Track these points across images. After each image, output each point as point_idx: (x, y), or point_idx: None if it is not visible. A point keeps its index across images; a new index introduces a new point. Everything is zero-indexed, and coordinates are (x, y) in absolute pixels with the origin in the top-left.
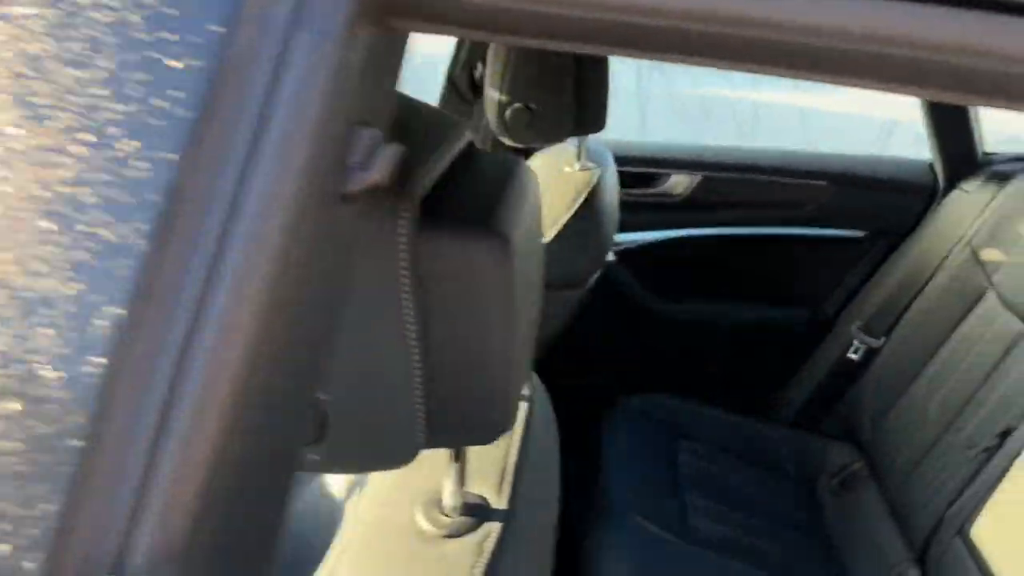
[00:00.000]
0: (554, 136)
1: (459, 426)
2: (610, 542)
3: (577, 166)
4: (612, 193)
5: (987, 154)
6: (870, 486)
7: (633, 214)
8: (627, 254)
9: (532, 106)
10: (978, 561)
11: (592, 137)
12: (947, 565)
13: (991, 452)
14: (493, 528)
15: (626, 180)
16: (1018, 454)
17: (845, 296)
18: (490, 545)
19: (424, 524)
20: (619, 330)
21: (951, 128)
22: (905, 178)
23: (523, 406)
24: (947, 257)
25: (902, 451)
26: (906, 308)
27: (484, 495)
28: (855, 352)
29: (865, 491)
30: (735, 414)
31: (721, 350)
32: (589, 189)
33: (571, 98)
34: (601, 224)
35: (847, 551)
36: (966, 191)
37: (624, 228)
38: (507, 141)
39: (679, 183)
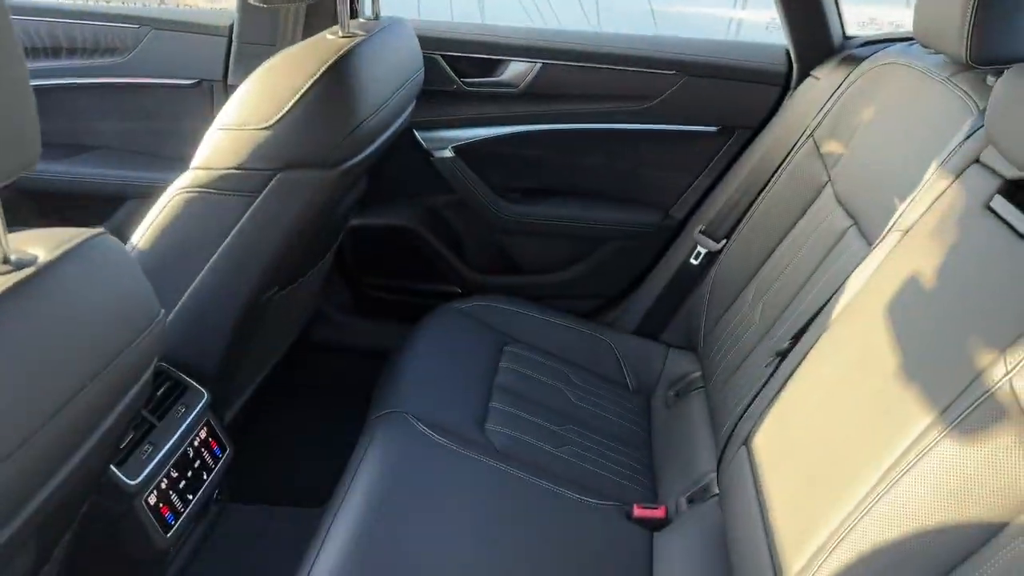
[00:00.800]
0: None
1: None
2: (376, 440)
3: (340, 32)
4: (379, 66)
5: (848, 38)
6: (699, 396)
7: (471, 106)
8: (466, 150)
9: None
10: (754, 470)
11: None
12: (732, 475)
13: (783, 357)
14: (32, 268)
15: (462, 68)
16: (803, 359)
17: (697, 198)
18: (22, 275)
19: None
20: (459, 231)
21: (805, 10)
22: (759, 66)
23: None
24: (792, 151)
25: (726, 359)
26: (748, 208)
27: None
28: (696, 257)
29: (695, 402)
30: (573, 320)
31: (567, 255)
32: (338, 55)
33: None
34: (350, 95)
35: (663, 462)
36: (817, 78)
37: (463, 123)
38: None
39: (519, 72)
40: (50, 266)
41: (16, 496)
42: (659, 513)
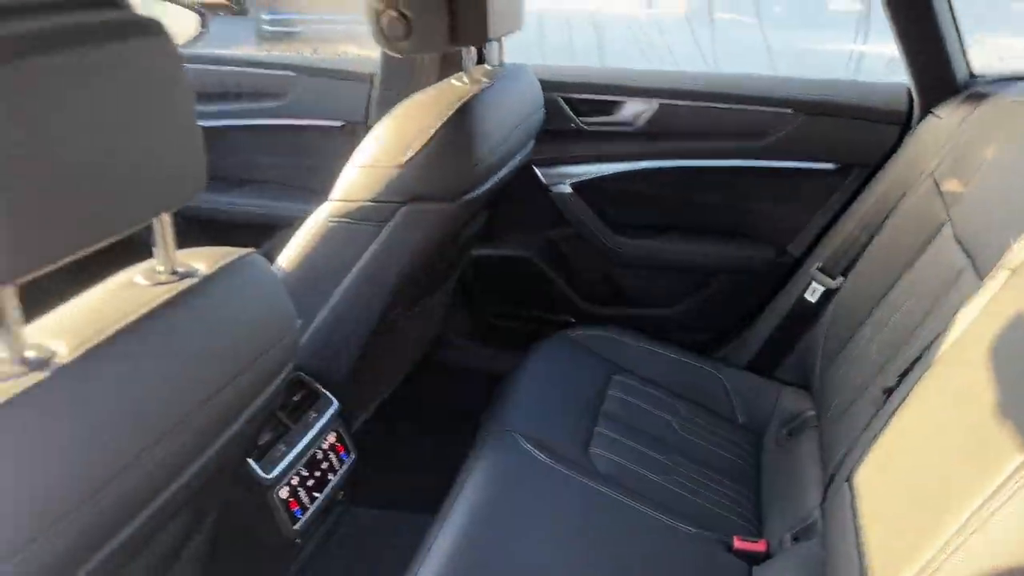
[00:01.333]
0: (431, 46)
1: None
2: (484, 455)
3: (465, 79)
4: (498, 110)
5: (974, 76)
6: (812, 435)
7: (589, 144)
8: (584, 187)
9: (407, 14)
10: (854, 509)
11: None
12: (834, 513)
13: (889, 393)
14: (195, 279)
15: (581, 108)
16: (907, 396)
17: (815, 235)
18: (186, 284)
19: (139, 279)
20: (574, 263)
21: (926, 48)
22: (879, 105)
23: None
24: (911, 189)
25: (840, 397)
26: (866, 246)
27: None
28: (812, 294)
29: (807, 440)
30: (684, 353)
31: (680, 289)
32: (462, 101)
33: (444, 7)
34: (471, 138)
35: (770, 499)
36: (939, 117)
37: (582, 160)
38: (388, 51)
39: (636, 111)
40: (209, 279)
41: (172, 465)
42: (760, 547)
